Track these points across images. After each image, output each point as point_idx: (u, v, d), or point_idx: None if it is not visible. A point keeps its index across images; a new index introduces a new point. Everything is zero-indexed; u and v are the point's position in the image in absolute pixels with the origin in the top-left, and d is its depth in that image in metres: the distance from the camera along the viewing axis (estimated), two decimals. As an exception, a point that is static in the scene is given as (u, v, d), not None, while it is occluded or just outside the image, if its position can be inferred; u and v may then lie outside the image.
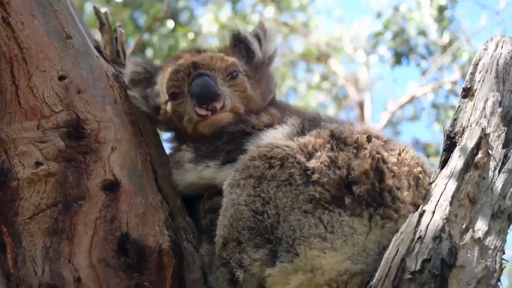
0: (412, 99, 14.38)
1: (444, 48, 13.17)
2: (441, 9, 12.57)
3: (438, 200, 2.06)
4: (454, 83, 13.51)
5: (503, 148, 2.18)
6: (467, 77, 2.43)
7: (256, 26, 2.97)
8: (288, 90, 15.12)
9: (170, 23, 11.32)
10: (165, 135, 2.93)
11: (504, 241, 2.00)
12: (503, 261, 2.01)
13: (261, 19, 2.91)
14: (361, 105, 14.65)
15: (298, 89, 15.54)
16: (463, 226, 2.00)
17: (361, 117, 14.38)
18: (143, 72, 2.89)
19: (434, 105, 14.49)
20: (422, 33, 13.15)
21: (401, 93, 15.05)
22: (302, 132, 2.45)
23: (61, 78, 2.50)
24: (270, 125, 2.55)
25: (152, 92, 2.81)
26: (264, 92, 2.83)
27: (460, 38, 13.18)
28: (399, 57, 13.58)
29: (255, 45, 2.86)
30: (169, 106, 2.72)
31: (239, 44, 2.89)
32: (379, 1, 14.07)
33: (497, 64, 2.38)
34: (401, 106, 14.64)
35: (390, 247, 2.05)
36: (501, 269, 1.97)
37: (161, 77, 2.79)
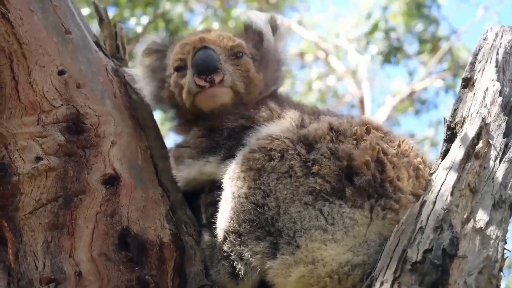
0: (412, 94, 14.42)
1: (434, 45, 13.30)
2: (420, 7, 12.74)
3: (439, 191, 2.04)
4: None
5: (503, 137, 2.18)
6: (467, 67, 2.41)
7: (269, 19, 2.95)
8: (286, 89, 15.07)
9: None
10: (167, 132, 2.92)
11: (505, 231, 2.00)
12: (505, 251, 2.00)
13: (273, 14, 2.97)
14: (361, 101, 14.65)
15: (296, 87, 15.51)
16: (464, 216, 1.99)
17: (362, 112, 14.40)
18: (160, 43, 2.94)
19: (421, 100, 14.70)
20: (409, 30, 13.30)
21: (394, 90, 15.17)
22: (301, 125, 2.44)
23: (61, 73, 2.51)
24: (269, 120, 2.53)
25: (162, 64, 2.85)
26: (268, 79, 2.83)
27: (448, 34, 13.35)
28: (388, 56, 13.68)
29: (268, 34, 2.87)
30: (172, 78, 2.76)
31: (251, 31, 2.90)
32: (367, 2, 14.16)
33: (497, 54, 2.38)
34: (402, 100, 14.67)
35: (391, 238, 2.04)
36: (503, 259, 1.97)
37: (171, 51, 2.83)
